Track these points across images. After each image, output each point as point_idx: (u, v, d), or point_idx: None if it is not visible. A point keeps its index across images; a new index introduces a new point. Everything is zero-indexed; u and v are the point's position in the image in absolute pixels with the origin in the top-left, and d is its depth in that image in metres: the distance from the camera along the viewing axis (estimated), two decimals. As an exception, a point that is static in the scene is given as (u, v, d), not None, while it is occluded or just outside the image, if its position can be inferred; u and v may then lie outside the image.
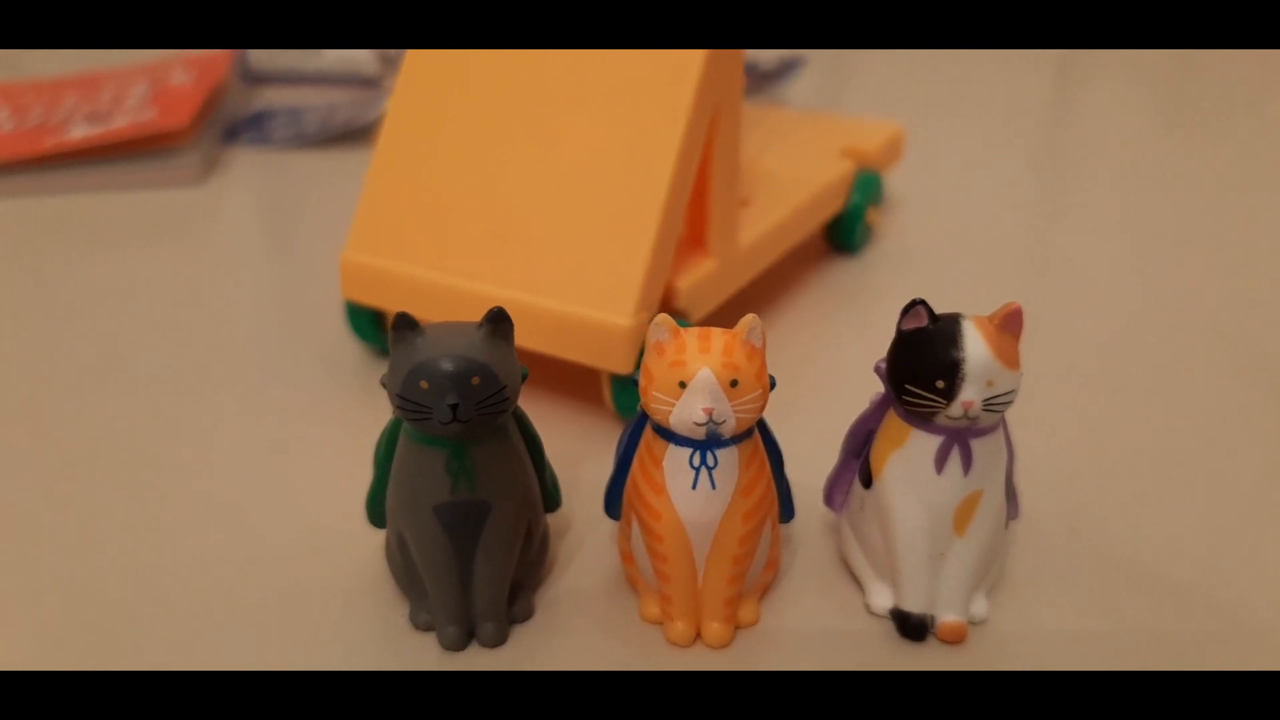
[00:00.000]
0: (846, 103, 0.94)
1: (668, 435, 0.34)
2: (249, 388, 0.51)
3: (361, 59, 0.97)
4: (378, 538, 0.41)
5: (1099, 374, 0.52)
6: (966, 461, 0.34)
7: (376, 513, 0.37)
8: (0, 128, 0.81)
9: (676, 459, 0.34)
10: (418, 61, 0.50)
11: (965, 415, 0.33)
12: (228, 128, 0.85)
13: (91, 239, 0.68)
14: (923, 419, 0.34)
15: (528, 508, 0.36)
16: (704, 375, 0.32)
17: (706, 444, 0.34)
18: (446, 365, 0.32)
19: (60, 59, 1.02)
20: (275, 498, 0.44)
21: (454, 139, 0.48)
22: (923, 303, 0.34)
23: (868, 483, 0.37)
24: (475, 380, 0.32)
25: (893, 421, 0.36)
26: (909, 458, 0.35)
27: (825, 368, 0.52)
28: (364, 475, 0.44)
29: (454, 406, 0.32)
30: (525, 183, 0.46)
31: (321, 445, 0.47)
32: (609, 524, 0.41)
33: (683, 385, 0.32)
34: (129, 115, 0.79)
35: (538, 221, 0.46)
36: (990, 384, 0.33)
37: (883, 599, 0.37)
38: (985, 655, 0.36)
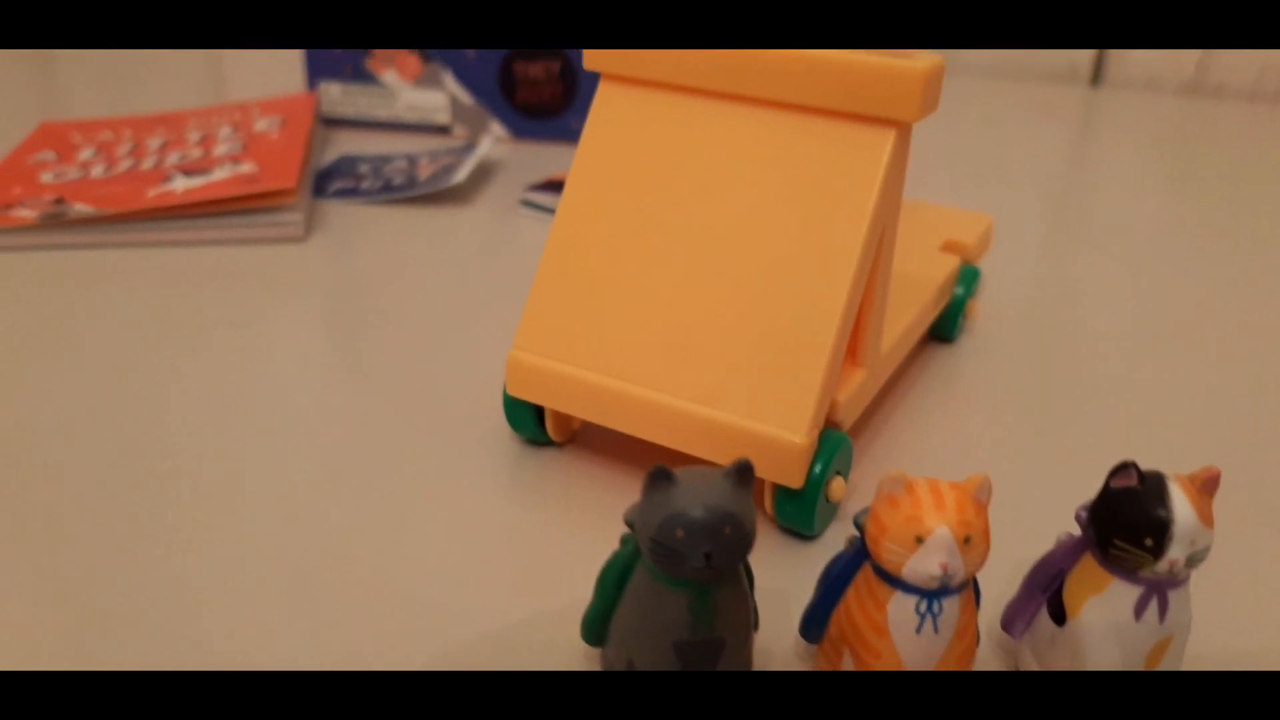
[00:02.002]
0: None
1: (893, 581, 0.37)
2: (403, 471, 0.53)
3: (434, 106, 0.98)
4: (569, 649, 0.43)
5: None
6: (1163, 611, 0.37)
7: (595, 634, 0.39)
8: (90, 170, 0.82)
9: (902, 605, 0.37)
10: (589, 157, 0.51)
11: (1170, 571, 0.36)
12: (315, 179, 0.86)
13: (211, 296, 0.69)
14: (1125, 570, 0.37)
15: (751, 638, 0.38)
16: (942, 533, 0.35)
17: (934, 592, 0.36)
18: (702, 516, 0.34)
19: (92, 59, 1.02)
20: (461, 596, 0.45)
21: (625, 239, 0.50)
22: (1133, 464, 0.36)
23: (1060, 620, 0.39)
24: (727, 530, 0.34)
25: (1090, 566, 0.38)
26: (1109, 604, 0.38)
27: (949, 465, 0.55)
28: (533, 576, 0.46)
29: (708, 555, 0.34)
30: (698, 287, 0.49)
31: (482, 535, 0.49)
32: (789, 637, 0.44)
33: (918, 540, 0.35)
34: (226, 169, 0.79)
35: (711, 329, 0.48)
36: (1193, 543, 0.36)
37: (1066, 726, 0.40)
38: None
